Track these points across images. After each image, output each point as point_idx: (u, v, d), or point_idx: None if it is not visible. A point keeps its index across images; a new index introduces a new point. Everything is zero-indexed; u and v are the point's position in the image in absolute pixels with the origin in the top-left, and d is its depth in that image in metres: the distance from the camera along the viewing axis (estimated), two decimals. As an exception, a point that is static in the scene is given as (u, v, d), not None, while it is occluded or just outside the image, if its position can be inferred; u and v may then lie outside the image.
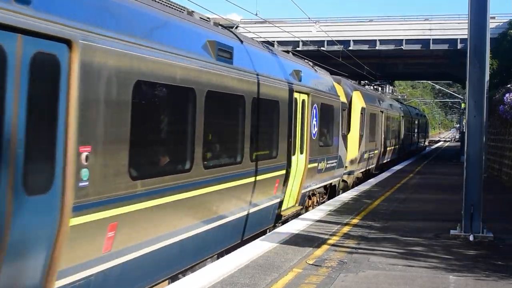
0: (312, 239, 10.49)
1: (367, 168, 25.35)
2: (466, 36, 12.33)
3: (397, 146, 35.40)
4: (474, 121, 11.03)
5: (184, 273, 8.67)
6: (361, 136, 22.83)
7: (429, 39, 37.29)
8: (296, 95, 13.18)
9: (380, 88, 51.68)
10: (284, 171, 12.44)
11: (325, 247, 9.89)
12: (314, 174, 15.00)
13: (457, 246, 10.26)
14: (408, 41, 37.78)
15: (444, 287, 7.66)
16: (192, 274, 8.16)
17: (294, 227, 11.71)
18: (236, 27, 31.84)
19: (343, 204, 15.32)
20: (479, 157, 11.06)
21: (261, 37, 30.24)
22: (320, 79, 16.56)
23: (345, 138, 19.37)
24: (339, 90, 19.04)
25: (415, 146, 47.34)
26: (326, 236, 10.81)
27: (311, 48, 36.01)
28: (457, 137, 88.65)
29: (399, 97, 60.83)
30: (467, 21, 11.54)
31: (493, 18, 33.88)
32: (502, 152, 24.57)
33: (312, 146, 14.47)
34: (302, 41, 36.31)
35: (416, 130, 47.71)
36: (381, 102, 28.83)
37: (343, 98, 19.03)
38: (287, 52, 19.70)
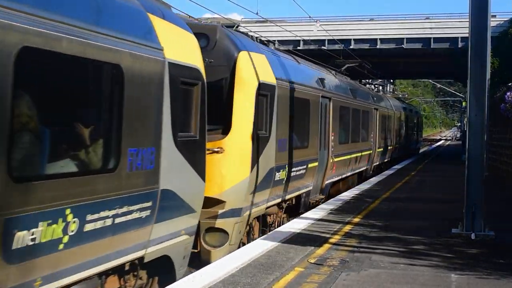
0: (314, 238, 10.50)
1: (291, 195, 13.99)
2: (467, 35, 12.33)
3: (367, 153, 24.35)
4: (475, 120, 11.03)
5: None
6: (262, 139, 11.57)
7: (430, 38, 37.25)
8: None
9: (381, 88, 51.55)
10: None
11: (326, 246, 9.90)
12: None
13: (458, 245, 10.26)
14: (409, 40, 37.73)
15: (446, 285, 7.67)
16: (193, 274, 8.17)
17: (296, 226, 11.72)
18: (237, 27, 31.84)
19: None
20: (480, 156, 11.06)
21: (262, 37, 30.26)
22: None
23: (199, 145, 8.74)
24: (190, 44, 8.68)
25: (403, 150, 37.53)
26: (328, 235, 10.82)
27: (312, 47, 36.01)
28: (458, 135, 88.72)
29: (400, 95, 60.54)
30: (468, 20, 11.53)
31: (494, 16, 33.84)
32: (504, 151, 24.57)
33: None
34: (303, 40, 36.31)
35: (403, 131, 37.26)
36: (324, 81, 17.02)
37: (191, 59, 8.46)
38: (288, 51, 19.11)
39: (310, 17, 28.31)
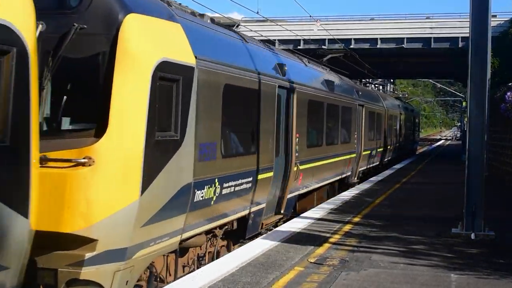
0: (314, 238, 10.50)
1: (230, 218, 10.34)
2: (467, 35, 12.34)
3: (350, 157, 20.35)
4: (475, 120, 11.03)
5: None
6: (168, 144, 7.82)
7: (431, 37, 37.26)
8: None
9: (381, 87, 51.44)
10: None
11: (326, 245, 9.90)
12: None
13: (458, 245, 10.26)
14: (409, 40, 37.74)
15: (445, 285, 7.67)
16: (193, 273, 8.17)
17: (296, 225, 11.72)
18: (237, 26, 31.85)
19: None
20: (480, 156, 11.06)
21: (262, 36, 30.27)
22: None
23: (11, 155, 5.31)
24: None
25: (398, 151, 34.00)
26: (328, 235, 10.82)
27: (313, 46, 36.02)
28: (458, 135, 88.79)
29: (400, 95, 60.43)
30: (468, 20, 11.53)
31: (495, 16, 33.87)
32: (504, 151, 24.57)
33: None
34: (303, 39, 36.33)
35: (397, 130, 33.78)
36: (285, 68, 12.86)
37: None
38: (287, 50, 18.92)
39: (310, 16, 28.30)
